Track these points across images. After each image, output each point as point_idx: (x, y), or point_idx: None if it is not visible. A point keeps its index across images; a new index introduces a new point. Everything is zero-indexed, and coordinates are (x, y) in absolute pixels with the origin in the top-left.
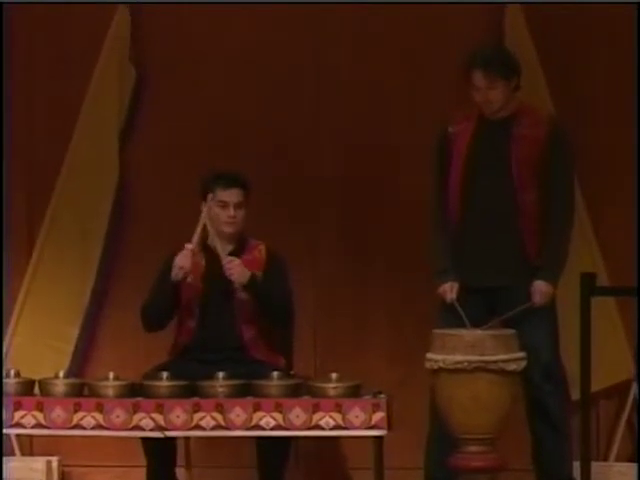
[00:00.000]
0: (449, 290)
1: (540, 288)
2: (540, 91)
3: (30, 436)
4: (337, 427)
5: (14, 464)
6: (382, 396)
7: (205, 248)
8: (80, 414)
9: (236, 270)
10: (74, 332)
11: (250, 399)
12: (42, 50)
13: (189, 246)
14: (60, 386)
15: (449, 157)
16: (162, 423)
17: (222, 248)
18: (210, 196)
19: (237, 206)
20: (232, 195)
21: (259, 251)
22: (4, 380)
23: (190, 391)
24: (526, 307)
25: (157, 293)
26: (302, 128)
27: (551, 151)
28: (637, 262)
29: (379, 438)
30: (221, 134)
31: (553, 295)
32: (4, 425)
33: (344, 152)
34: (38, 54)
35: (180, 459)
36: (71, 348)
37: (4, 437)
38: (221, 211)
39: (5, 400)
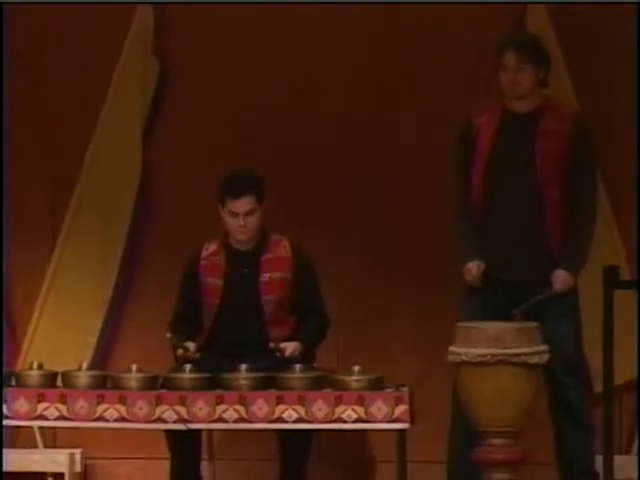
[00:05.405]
0: (475, 268)
1: (561, 276)
2: (563, 86)
3: (53, 428)
4: (359, 420)
5: (37, 456)
6: (404, 389)
7: (226, 246)
8: (103, 406)
9: (289, 351)
10: (97, 324)
11: (273, 392)
12: (68, 44)
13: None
14: (83, 378)
15: (472, 149)
16: (185, 415)
17: (243, 248)
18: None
19: (248, 214)
20: (241, 205)
21: (284, 247)
22: (26, 372)
23: (213, 383)
24: (547, 295)
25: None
26: (326, 124)
27: (576, 146)
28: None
29: (401, 431)
30: (244, 129)
31: (574, 285)
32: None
33: (368, 151)
34: (64, 48)
35: (203, 451)
36: (94, 340)
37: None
38: (232, 220)
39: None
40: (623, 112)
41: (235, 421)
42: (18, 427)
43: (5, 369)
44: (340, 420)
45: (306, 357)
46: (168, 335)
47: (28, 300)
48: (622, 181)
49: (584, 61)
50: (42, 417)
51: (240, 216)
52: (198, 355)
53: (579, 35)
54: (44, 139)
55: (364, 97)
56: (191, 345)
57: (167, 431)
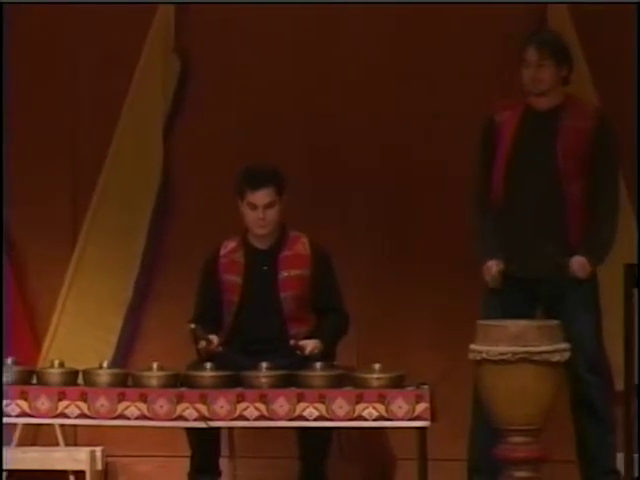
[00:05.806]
0: (494, 266)
1: (579, 261)
2: (585, 86)
3: (74, 426)
4: (380, 418)
5: (58, 454)
6: (425, 387)
7: (244, 244)
8: (124, 404)
9: (309, 349)
10: (118, 323)
11: (293, 390)
12: (87, 41)
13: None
14: (104, 376)
15: (494, 146)
16: (206, 413)
17: (262, 246)
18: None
19: (267, 206)
20: (260, 197)
21: (302, 244)
22: (47, 370)
23: (234, 381)
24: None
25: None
26: (345, 119)
27: (597, 143)
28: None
29: (422, 429)
30: (265, 125)
31: (595, 283)
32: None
33: (384, 149)
34: (84, 45)
35: (223, 449)
36: (115, 339)
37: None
38: (251, 212)
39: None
40: None
41: (256, 419)
42: (39, 425)
43: (27, 367)
44: (361, 418)
45: (326, 355)
46: (192, 325)
47: (49, 297)
48: None
49: (605, 60)
50: (63, 415)
51: (259, 209)
52: (221, 348)
53: (601, 34)
54: (65, 140)
55: (382, 96)
56: (214, 338)
57: (188, 429)
